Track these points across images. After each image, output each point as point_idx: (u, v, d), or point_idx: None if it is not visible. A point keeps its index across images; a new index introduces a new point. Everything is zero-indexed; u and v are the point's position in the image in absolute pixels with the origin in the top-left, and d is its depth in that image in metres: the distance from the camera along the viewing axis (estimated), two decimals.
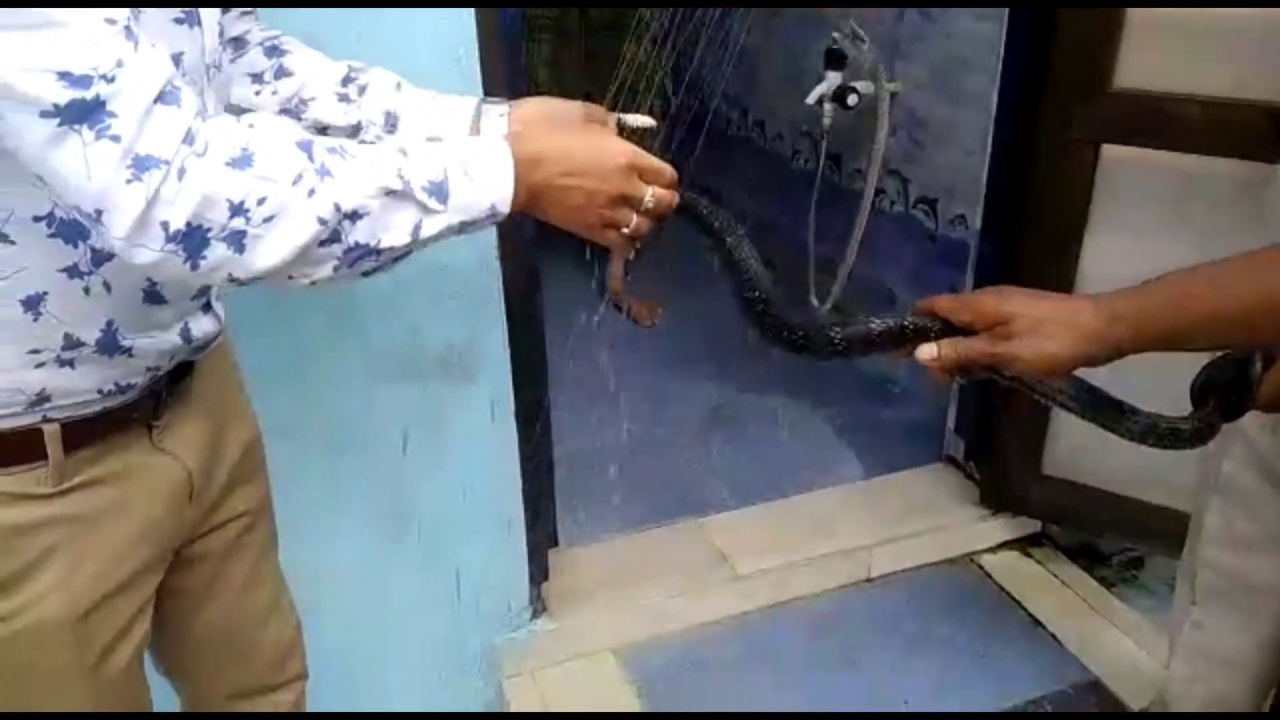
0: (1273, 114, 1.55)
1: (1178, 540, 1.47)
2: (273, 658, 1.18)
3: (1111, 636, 1.88)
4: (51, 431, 0.82)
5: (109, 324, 0.83)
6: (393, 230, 0.78)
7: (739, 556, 1.98)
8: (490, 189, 0.82)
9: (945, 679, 1.79)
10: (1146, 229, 1.73)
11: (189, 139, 0.69)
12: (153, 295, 0.85)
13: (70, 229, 0.78)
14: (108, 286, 0.81)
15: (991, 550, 2.09)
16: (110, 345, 0.84)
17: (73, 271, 0.79)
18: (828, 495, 2.19)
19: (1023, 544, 2.10)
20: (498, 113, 1.02)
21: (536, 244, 1.59)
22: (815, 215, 2.70)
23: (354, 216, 0.75)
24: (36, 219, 0.76)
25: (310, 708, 1.69)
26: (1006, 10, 1.94)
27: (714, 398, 2.63)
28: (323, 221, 0.74)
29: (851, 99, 2.49)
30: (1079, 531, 2.08)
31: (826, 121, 2.57)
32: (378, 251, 0.78)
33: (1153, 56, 1.67)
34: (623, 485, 2.24)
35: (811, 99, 2.56)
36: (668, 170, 0.93)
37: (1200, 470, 1.29)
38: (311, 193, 0.73)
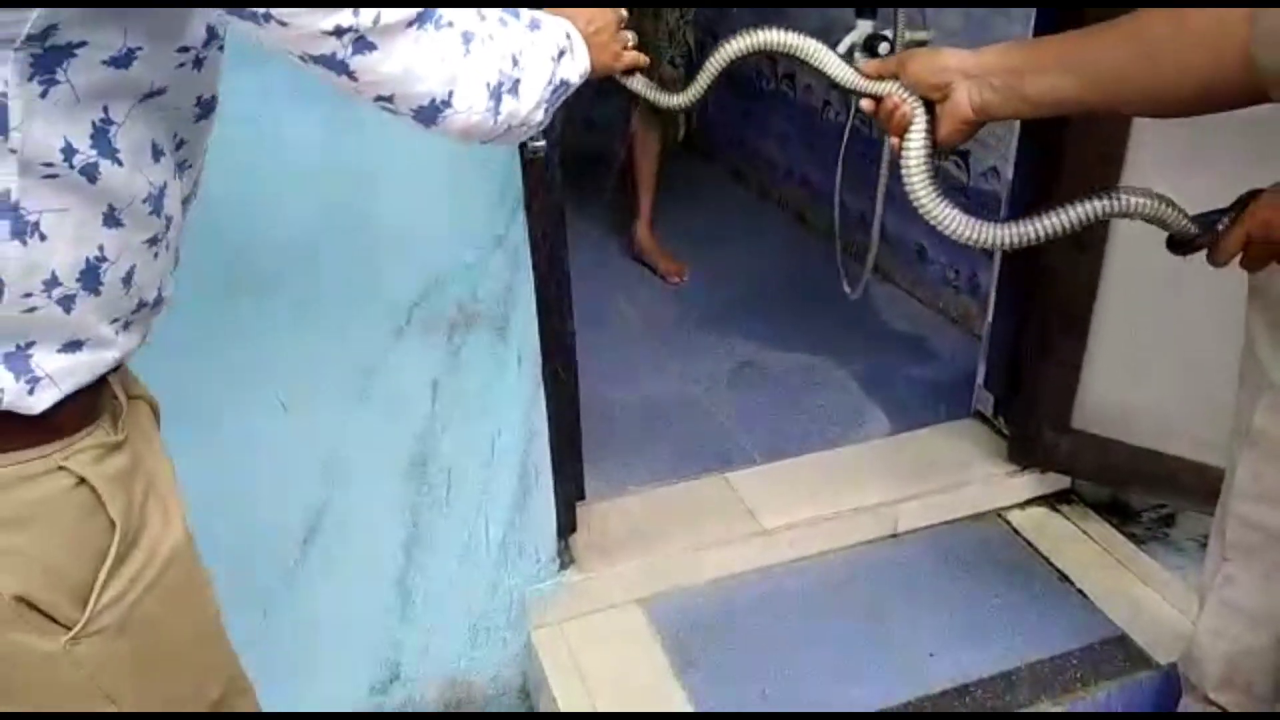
0: None
1: (1207, 496, 1.46)
2: None
3: (1141, 593, 1.88)
4: (114, 379, 0.86)
5: (162, 283, 0.87)
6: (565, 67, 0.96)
7: (765, 511, 1.98)
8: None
9: (971, 633, 1.79)
10: (1185, 175, 1.69)
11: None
12: (176, 251, 0.89)
13: (158, 200, 0.81)
14: (168, 247, 0.85)
15: (1020, 506, 2.08)
16: (158, 301, 0.87)
17: (153, 241, 0.82)
18: (854, 451, 2.18)
19: (1051, 500, 2.09)
20: None
21: (567, 202, 1.59)
22: (843, 168, 2.66)
23: (560, 55, 0.94)
24: (143, 201, 0.79)
25: (337, 654, 1.73)
26: None
27: (741, 353, 2.62)
28: (552, 59, 0.92)
29: (882, 48, 2.43)
30: (1108, 487, 2.06)
31: None
32: (566, 85, 0.96)
33: None
34: (650, 439, 2.25)
35: (841, 48, 2.50)
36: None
37: (1233, 423, 1.27)
38: (535, 40, 0.91)
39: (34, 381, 0.77)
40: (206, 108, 0.85)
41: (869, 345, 2.64)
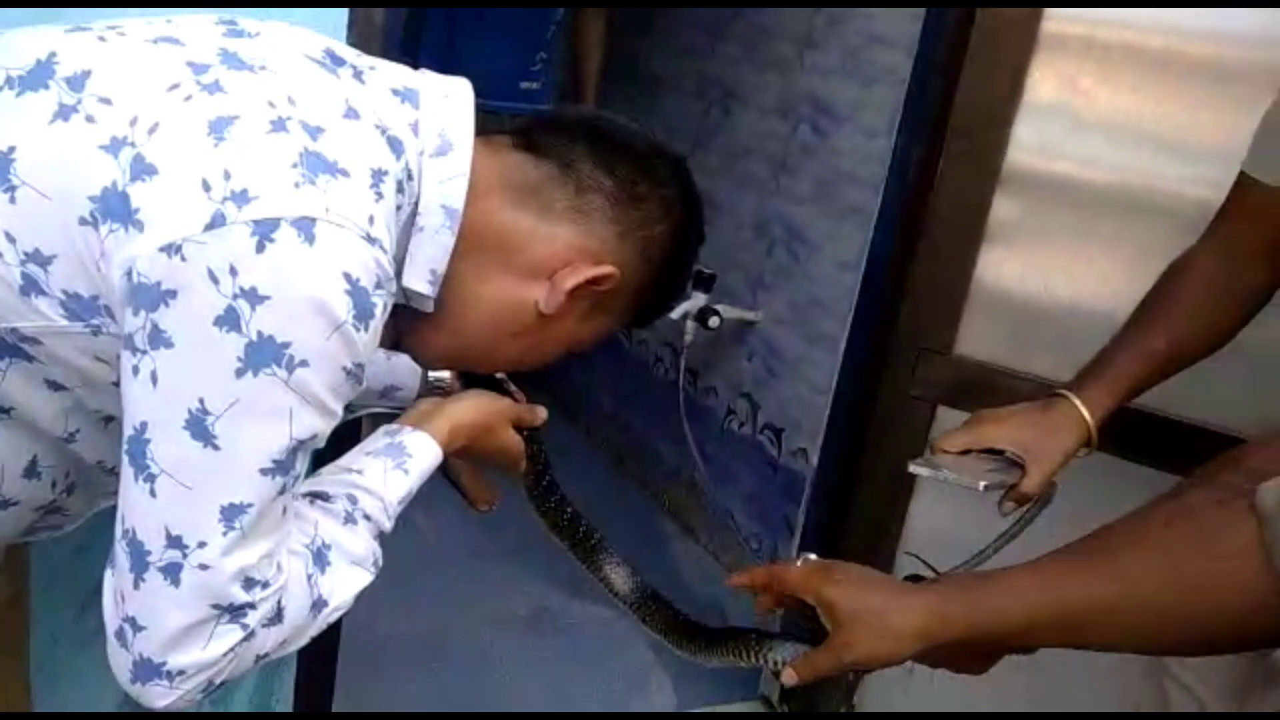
0: None
1: None
2: None
3: None
4: None
5: None
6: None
7: None
8: (425, 466, 0.97)
9: None
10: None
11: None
12: None
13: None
14: None
15: None
16: None
17: None
18: None
19: None
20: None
21: None
22: (686, 428, 2.70)
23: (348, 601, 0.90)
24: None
25: None
26: (864, 263, 2.05)
27: (538, 597, 2.51)
28: (324, 624, 0.87)
29: (713, 320, 2.56)
30: None
31: (687, 338, 2.63)
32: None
33: (990, 330, 1.78)
34: (415, 684, 2.07)
35: (675, 314, 2.62)
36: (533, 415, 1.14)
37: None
38: (316, 613, 0.86)
39: None
40: None
41: None
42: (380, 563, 0.92)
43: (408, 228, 0.85)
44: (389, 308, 0.80)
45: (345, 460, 0.95)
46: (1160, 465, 1.49)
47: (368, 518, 0.91)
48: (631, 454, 3.35)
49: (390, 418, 1.28)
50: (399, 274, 0.85)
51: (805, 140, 2.56)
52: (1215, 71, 1.57)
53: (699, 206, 0.98)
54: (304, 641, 0.86)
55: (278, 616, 0.81)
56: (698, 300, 2.58)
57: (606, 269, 0.91)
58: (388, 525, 0.93)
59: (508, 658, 2.24)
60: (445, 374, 1.23)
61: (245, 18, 0.88)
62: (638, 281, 0.95)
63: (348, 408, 1.16)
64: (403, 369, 1.23)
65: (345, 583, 0.88)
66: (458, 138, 0.86)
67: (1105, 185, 1.68)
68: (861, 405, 1.92)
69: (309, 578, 0.84)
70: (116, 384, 0.78)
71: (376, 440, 0.97)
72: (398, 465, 0.94)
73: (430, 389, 1.24)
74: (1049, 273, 1.75)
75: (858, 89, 2.40)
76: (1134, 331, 1.18)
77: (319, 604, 0.85)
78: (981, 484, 1.10)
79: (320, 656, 1.57)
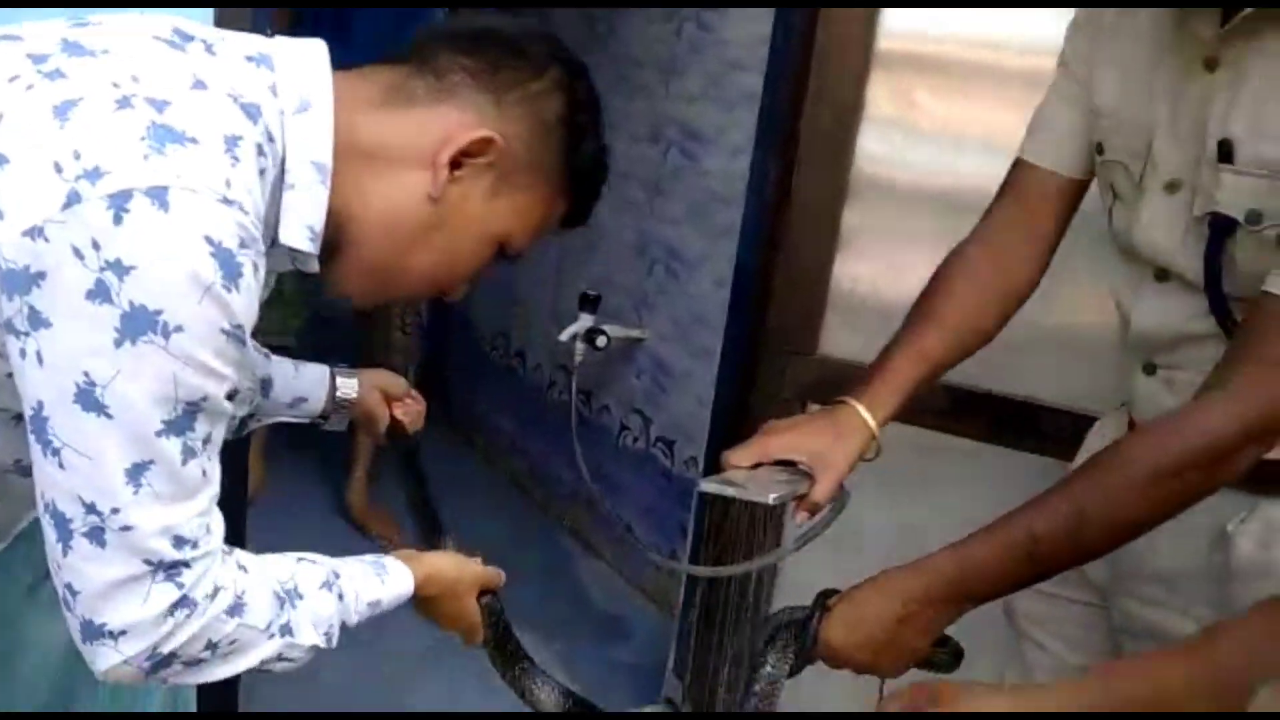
0: (948, 389, 1.76)
1: None
2: None
3: None
4: None
5: None
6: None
7: None
8: (398, 589, 1.02)
9: None
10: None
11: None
12: None
13: None
14: None
15: None
16: None
17: None
18: None
19: None
20: (349, 381, 1.30)
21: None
22: (577, 446, 2.75)
23: (304, 648, 0.92)
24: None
25: None
26: (733, 274, 2.14)
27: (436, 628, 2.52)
28: (276, 654, 0.89)
29: (600, 340, 2.63)
30: None
31: (577, 359, 2.69)
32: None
33: (850, 330, 1.89)
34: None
35: (564, 336, 2.68)
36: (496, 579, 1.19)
37: None
38: (273, 636, 0.89)
39: None
40: None
41: (571, 624, 2.63)
42: (334, 643, 0.94)
43: (277, 188, 0.85)
44: (260, 268, 0.81)
45: (332, 559, 1.00)
46: (1006, 442, 1.61)
47: (341, 597, 0.95)
48: (531, 477, 3.39)
49: (297, 428, 1.33)
50: (276, 235, 0.86)
51: (675, 163, 2.67)
52: (1030, 80, 1.71)
53: (581, 68, 0.97)
54: (251, 662, 0.88)
55: (238, 609, 0.84)
56: (585, 322, 2.65)
57: (483, 133, 0.89)
58: (352, 619, 0.96)
59: (411, 694, 2.25)
60: (353, 384, 1.30)
61: (97, 14, 0.88)
62: (540, 148, 0.94)
63: (253, 416, 1.20)
64: (310, 381, 1.27)
65: (305, 629, 0.91)
66: (316, 94, 0.86)
67: (943, 189, 1.81)
68: (739, 410, 2.01)
69: (277, 597, 0.89)
70: (11, 377, 0.79)
71: (364, 557, 1.02)
72: (377, 574, 0.99)
73: (337, 403, 1.29)
74: (900, 273, 1.87)
75: (720, 113, 2.51)
76: (908, 334, 1.22)
77: (281, 628, 0.88)
78: (771, 496, 1.07)
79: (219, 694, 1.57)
